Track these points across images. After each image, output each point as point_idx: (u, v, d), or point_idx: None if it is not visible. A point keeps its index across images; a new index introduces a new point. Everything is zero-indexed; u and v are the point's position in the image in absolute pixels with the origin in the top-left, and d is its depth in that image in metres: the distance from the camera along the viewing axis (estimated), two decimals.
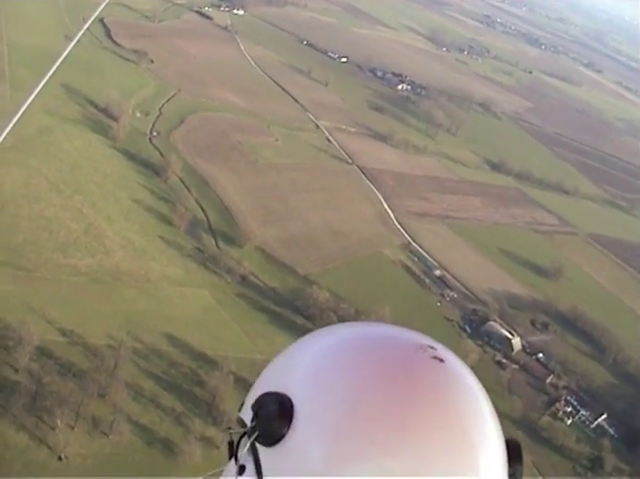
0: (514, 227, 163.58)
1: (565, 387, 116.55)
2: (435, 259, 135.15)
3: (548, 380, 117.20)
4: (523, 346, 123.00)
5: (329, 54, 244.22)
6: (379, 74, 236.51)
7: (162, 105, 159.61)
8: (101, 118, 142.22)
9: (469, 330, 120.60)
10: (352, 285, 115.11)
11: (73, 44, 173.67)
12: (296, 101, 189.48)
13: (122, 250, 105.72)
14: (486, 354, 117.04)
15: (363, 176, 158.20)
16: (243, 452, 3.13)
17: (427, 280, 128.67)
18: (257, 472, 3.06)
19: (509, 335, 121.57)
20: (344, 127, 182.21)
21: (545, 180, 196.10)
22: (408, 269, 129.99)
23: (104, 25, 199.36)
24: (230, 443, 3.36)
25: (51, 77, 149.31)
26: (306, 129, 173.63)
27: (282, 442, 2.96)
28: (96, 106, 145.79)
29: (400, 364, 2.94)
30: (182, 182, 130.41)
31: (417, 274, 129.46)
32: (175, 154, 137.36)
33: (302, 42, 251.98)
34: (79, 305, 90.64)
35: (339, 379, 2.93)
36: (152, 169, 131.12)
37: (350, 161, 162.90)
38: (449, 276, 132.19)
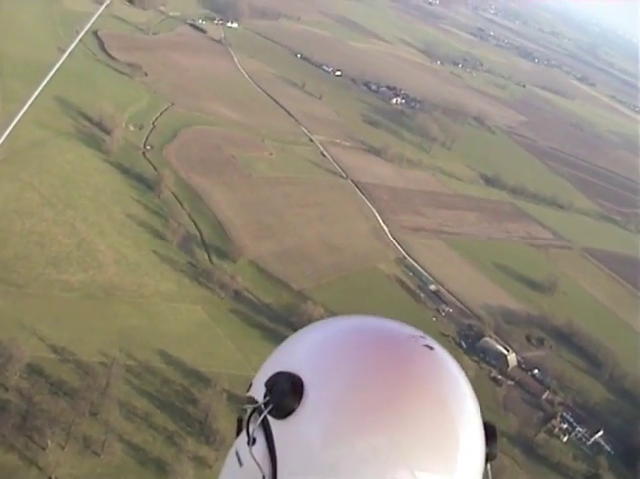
0: (509, 241, 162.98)
1: (562, 404, 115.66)
2: (429, 274, 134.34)
3: (544, 397, 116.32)
4: (519, 362, 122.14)
5: (323, 67, 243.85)
6: (373, 87, 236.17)
7: (156, 118, 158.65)
8: (94, 131, 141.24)
9: (464, 346, 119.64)
10: (347, 301, 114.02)
11: (65, 56, 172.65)
12: (290, 114, 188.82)
13: (114, 266, 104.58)
14: (482, 371, 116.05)
15: (357, 190, 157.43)
16: (256, 425, 3.46)
17: (422, 296, 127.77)
18: (269, 441, 3.40)
19: (505, 351, 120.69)
20: (338, 140, 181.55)
21: (540, 194, 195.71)
22: (402, 285, 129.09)
23: (97, 37, 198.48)
24: (239, 420, 3.67)
25: (43, 89, 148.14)
26: (300, 142, 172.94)
27: (293, 416, 3.33)
28: (89, 119, 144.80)
29: (395, 350, 3.36)
30: (176, 196, 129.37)
31: (411, 290, 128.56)
32: (169, 168, 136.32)
33: (296, 55, 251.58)
34: (70, 322, 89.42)
35: (342, 362, 3.34)
36: (145, 183, 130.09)
37: (344, 175, 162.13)
38: (443, 292, 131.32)
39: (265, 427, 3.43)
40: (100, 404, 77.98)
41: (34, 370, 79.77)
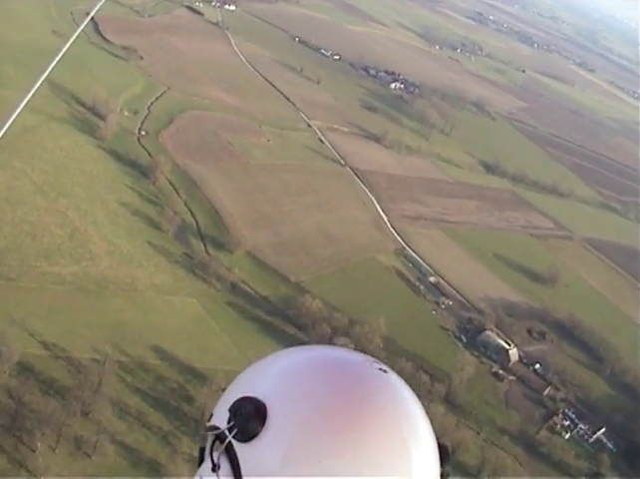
0: (510, 231, 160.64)
1: (563, 400, 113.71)
2: (429, 265, 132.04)
3: (546, 392, 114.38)
4: (520, 357, 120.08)
5: (321, 51, 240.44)
6: (372, 72, 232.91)
7: (152, 103, 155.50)
8: (88, 117, 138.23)
9: (464, 340, 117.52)
10: (345, 293, 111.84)
11: (68, 46, 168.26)
12: (288, 99, 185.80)
13: (108, 257, 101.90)
14: (483, 365, 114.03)
15: (356, 177, 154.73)
16: (221, 450, 3.58)
17: (421, 287, 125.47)
18: (233, 466, 3.53)
19: (506, 345, 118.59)
20: (336, 126, 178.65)
21: (540, 182, 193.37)
22: (402, 276, 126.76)
23: (92, 20, 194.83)
24: (202, 449, 3.80)
25: (37, 74, 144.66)
26: (298, 128, 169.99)
27: (256, 439, 3.49)
28: (83, 104, 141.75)
29: (352, 375, 3.62)
30: (171, 184, 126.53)
31: (411, 281, 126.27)
32: (164, 154, 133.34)
33: (294, 39, 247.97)
34: (62, 316, 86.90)
35: (304, 388, 3.56)
36: (140, 170, 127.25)
37: (343, 162, 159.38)
38: (444, 283, 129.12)
39: (229, 452, 3.55)
40: (92, 403, 75.62)
41: (24, 368, 77.30)
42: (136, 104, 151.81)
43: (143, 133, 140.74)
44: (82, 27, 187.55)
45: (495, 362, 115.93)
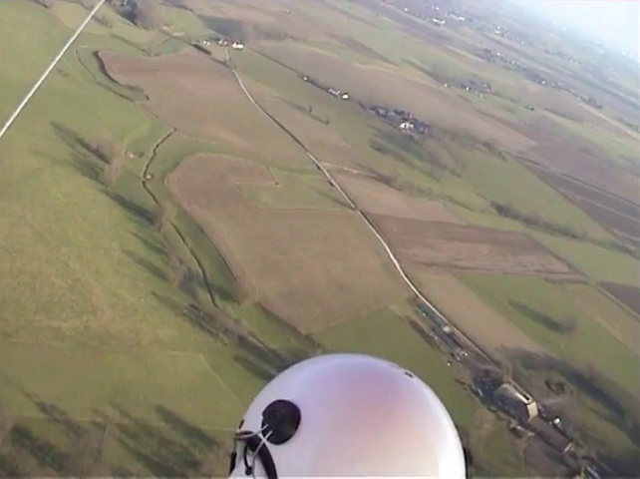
0: (524, 275, 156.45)
1: (585, 457, 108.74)
2: (443, 314, 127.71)
3: (567, 449, 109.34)
4: (539, 411, 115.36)
5: (330, 90, 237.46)
6: (381, 112, 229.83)
7: (157, 145, 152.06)
8: (92, 159, 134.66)
9: (481, 394, 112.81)
10: (357, 345, 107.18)
11: (46, 73, 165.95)
12: (297, 141, 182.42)
13: (110, 310, 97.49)
14: (501, 421, 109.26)
15: (367, 222, 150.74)
16: (255, 454, 3.70)
17: (436, 338, 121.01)
18: (268, 467, 3.66)
19: (525, 400, 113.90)
20: (346, 168, 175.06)
21: (553, 223, 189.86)
22: (416, 326, 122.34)
23: (98, 59, 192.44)
24: (233, 455, 3.93)
25: (41, 114, 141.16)
26: (307, 171, 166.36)
27: (290, 441, 3.62)
28: (87, 146, 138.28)
29: (381, 380, 3.78)
30: (177, 230, 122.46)
31: (425, 332, 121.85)
32: (170, 199, 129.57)
33: (303, 78, 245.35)
34: (61, 375, 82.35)
35: (336, 393, 3.72)
36: (145, 216, 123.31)
37: (353, 206, 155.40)
38: (458, 333, 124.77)
39: (263, 454, 3.66)
40: (92, 471, 71.02)
41: (20, 433, 72.71)
42: (141, 146, 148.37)
43: (148, 176, 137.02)
44: (82, 26, 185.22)
45: (514, 417, 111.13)
